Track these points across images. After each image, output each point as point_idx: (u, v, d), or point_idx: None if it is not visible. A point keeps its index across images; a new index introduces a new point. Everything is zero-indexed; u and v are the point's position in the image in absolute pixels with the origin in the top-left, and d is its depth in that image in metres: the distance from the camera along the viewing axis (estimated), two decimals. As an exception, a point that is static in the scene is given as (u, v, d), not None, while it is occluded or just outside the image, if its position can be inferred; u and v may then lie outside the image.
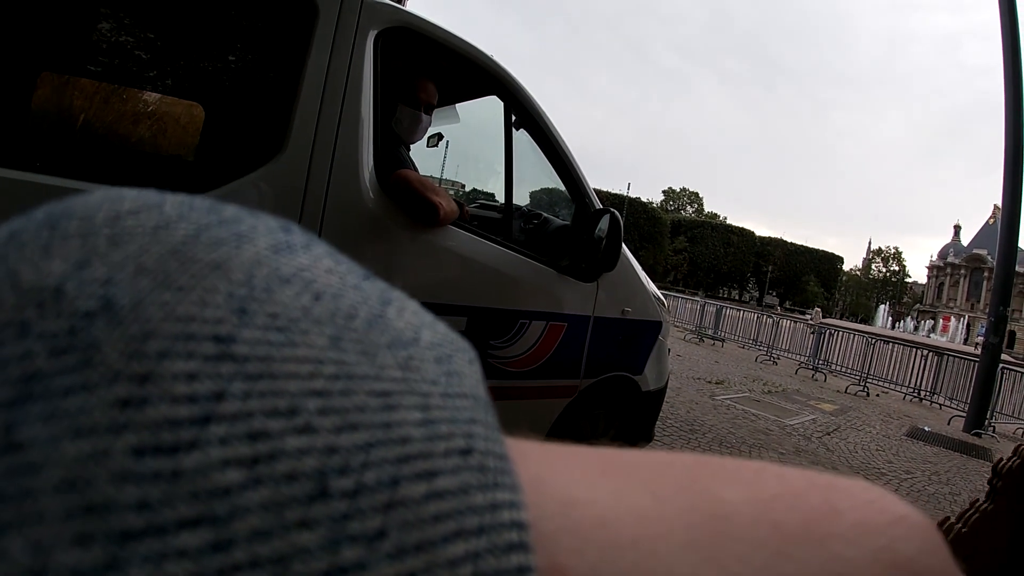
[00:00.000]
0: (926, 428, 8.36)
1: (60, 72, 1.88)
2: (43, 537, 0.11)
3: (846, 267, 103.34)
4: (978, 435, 8.74)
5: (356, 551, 0.12)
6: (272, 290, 0.15)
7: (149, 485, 0.11)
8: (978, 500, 1.12)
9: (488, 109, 2.93)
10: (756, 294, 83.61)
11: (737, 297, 75.45)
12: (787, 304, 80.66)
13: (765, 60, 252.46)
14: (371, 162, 2.16)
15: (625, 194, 63.16)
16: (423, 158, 3.40)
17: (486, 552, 0.13)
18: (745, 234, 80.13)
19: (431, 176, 6.65)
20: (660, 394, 3.67)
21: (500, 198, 3.28)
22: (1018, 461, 1.12)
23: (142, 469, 0.11)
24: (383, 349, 0.15)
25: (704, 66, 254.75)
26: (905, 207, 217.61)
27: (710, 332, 14.93)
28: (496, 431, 0.16)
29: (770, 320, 14.67)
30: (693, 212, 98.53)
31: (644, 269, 3.49)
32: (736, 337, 15.29)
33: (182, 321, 0.13)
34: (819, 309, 30.98)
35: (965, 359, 10.82)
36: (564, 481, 0.16)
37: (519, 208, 3.25)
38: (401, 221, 2.22)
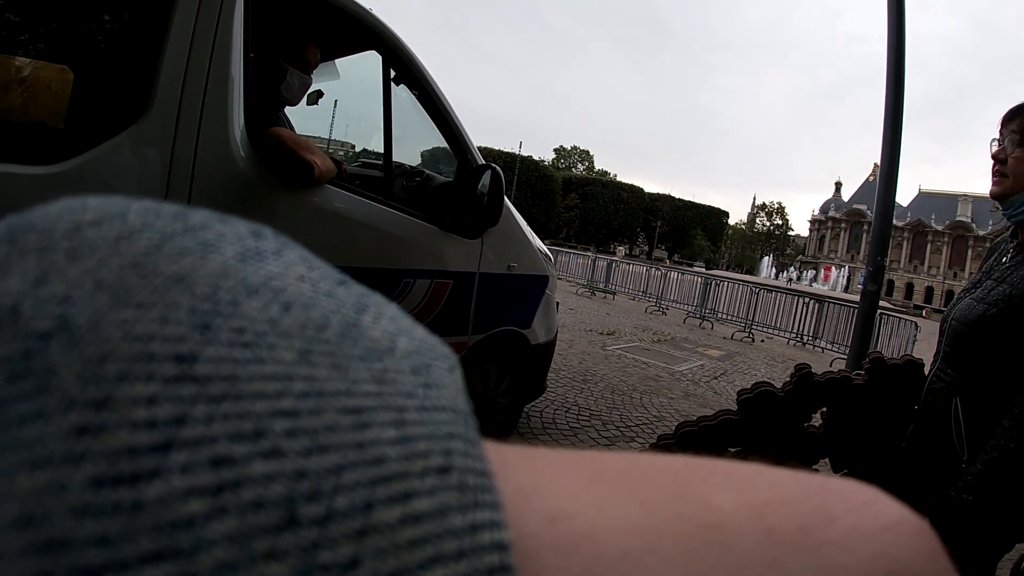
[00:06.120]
0: (809, 370, 8.83)
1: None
2: None
3: (732, 221, 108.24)
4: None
5: None
6: (238, 303, 0.14)
7: (109, 518, 0.10)
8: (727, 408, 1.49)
9: (371, 65, 2.87)
10: (646, 248, 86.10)
11: (628, 252, 77.21)
12: (675, 257, 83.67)
13: (654, 24, 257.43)
14: (242, 121, 2.08)
15: (517, 153, 63.22)
16: (305, 119, 3.30)
17: None
18: (634, 191, 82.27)
19: (317, 137, 6.43)
20: (550, 347, 3.76)
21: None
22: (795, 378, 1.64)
23: (101, 501, 0.11)
24: (356, 361, 0.14)
25: (595, 28, 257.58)
26: (788, 165, 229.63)
27: (601, 285, 15.25)
28: (477, 444, 0.15)
29: (659, 272, 15.12)
30: (584, 170, 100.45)
31: (536, 226, 3.53)
32: (627, 289, 15.68)
33: (141, 340, 0.12)
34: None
35: (845, 305, 11.47)
36: (549, 492, 0.16)
37: (400, 166, 3.21)
38: (275, 182, 2.16)
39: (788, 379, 1.67)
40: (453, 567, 0.12)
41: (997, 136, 1.48)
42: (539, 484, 0.16)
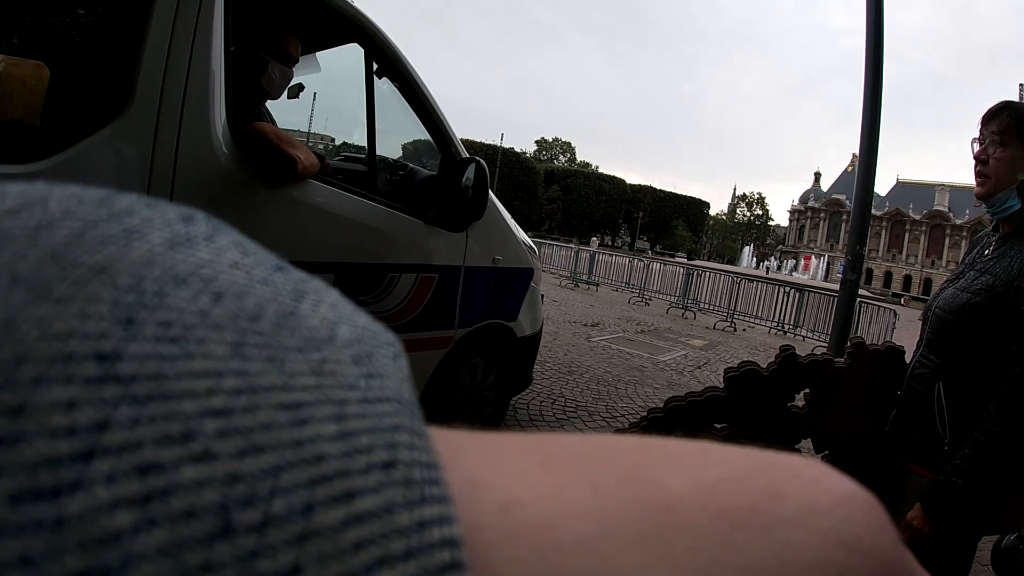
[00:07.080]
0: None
1: None
2: None
3: (712, 212, 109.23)
4: (840, 363, 9.40)
5: None
6: (165, 294, 0.13)
7: (30, 537, 0.10)
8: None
9: (353, 58, 2.85)
10: (628, 239, 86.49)
11: (610, 243, 77.57)
12: (657, 248, 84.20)
13: (637, 14, 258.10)
14: (223, 115, 2.05)
15: (498, 145, 63.41)
16: (287, 113, 3.27)
17: None
18: (616, 182, 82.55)
19: (298, 131, 6.39)
20: (536, 339, 3.78)
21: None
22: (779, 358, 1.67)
23: (21, 519, 0.10)
24: (293, 353, 0.14)
25: (577, 18, 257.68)
26: (768, 155, 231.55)
27: (584, 277, 15.28)
28: (423, 436, 0.14)
29: (641, 263, 15.16)
30: (566, 161, 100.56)
31: (519, 218, 3.53)
32: (610, 281, 15.72)
33: (59, 339, 0.11)
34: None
35: (825, 294, 11.58)
36: (501, 481, 0.15)
37: (384, 159, 3.20)
38: (258, 177, 2.14)
39: (773, 360, 1.70)
40: (401, 568, 0.12)
41: (977, 136, 1.51)
42: (490, 471, 0.16)
